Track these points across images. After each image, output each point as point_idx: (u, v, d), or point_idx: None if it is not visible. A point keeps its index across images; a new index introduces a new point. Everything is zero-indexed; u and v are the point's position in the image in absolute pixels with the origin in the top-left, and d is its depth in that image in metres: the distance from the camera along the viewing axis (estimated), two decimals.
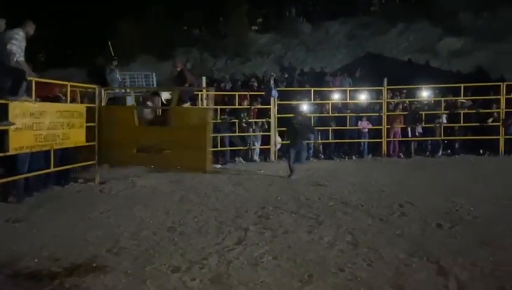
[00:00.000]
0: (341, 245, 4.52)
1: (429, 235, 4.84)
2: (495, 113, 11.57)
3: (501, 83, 11.87)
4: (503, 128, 11.43)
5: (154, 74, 12.55)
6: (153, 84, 12.14)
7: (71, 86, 7.63)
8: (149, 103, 8.36)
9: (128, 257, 4.20)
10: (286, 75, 17.89)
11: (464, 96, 11.99)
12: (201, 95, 9.83)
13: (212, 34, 27.26)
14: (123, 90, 10.91)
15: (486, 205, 6.10)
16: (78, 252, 4.30)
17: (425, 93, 12.76)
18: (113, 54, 12.67)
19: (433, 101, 12.53)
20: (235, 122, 11.01)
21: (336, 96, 12.96)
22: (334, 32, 26.18)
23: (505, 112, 11.47)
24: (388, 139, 11.82)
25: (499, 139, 11.48)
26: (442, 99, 12.26)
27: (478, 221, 5.39)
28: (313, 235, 4.87)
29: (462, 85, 11.91)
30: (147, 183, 7.98)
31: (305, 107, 11.45)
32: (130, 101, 9.50)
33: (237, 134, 11.04)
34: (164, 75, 13.98)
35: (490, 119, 11.54)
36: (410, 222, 5.39)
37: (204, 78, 11.30)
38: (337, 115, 11.96)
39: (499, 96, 11.57)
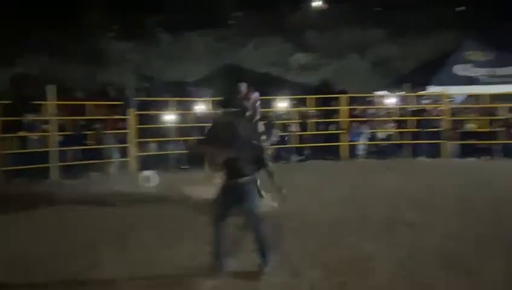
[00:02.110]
0: (201, 257, 4.51)
1: (285, 240, 5.10)
2: (337, 122, 12.87)
3: (341, 95, 13.32)
4: (346, 136, 12.75)
5: None
6: None
7: None
8: None
9: None
10: (146, 85, 17.45)
11: (311, 106, 13.14)
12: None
13: (64, 38, 25.21)
14: None
15: (332, 206, 6.70)
16: None
17: (280, 104, 13.62)
18: None
19: (287, 111, 13.45)
20: (88, 134, 10.35)
21: (198, 107, 13.10)
22: (194, 43, 26.44)
23: (346, 120, 12.84)
24: None
25: (342, 145, 12.77)
26: (294, 109, 13.25)
27: (325, 222, 5.86)
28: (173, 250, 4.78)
29: (310, 97, 13.14)
30: None
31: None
32: None
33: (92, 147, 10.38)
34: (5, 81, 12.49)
35: (333, 127, 12.80)
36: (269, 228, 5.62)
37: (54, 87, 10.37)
38: (199, 125, 12.03)
39: (340, 107, 12.90)
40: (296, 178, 9.57)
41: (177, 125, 11.86)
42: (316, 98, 13.45)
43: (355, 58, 25.41)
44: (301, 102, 13.64)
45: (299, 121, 12.86)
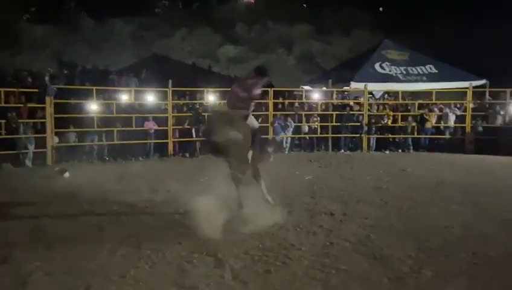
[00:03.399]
0: (124, 250, 4.39)
1: (211, 231, 5.10)
2: (263, 115, 13.08)
3: (269, 89, 13.52)
4: (272, 128, 13.01)
5: None
6: None
7: None
8: None
9: None
10: (65, 72, 16.50)
11: None
12: None
13: None
14: None
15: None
16: None
17: (208, 96, 13.55)
18: None
19: (216, 104, 13.40)
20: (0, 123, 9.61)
21: (121, 97, 12.67)
22: (118, 30, 25.42)
23: (273, 114, 13.09)
24: (174, 140, 12.12)
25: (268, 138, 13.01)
26: (222, 102, 13.23)
27: (249, 212, 5.94)
28: (94, 244, 4.60)
29: None
30: None
31: None
32: None
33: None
34: None
35: (260, 120, 12.97)
36: (193, 219, 5.59)
37: None
38: (122, 115, 11.65)
39: (267, 100, 13.12)
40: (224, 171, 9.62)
41: (99, 115, 11.38)
42: None
43: (282, 53, 25.98)
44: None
45: None
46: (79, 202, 6.44)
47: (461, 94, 14.09)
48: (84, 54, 23.08)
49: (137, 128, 11.60)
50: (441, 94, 14.23)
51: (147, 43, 23.96)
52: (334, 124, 13.29)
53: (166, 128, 12.02)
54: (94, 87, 11.66)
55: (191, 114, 12.50)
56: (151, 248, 4.42)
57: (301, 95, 14.77)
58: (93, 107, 11.43)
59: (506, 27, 24.40)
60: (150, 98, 12.74)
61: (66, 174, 8.48)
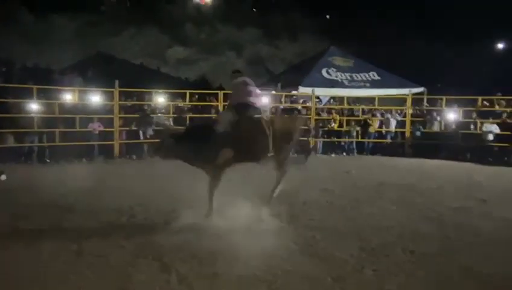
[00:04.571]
0: (64, 256, 4.24)
1: (156, 234, 5.03)
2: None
3: (219, 91, 13.55)
4: None
5: None
6: None
7: None
8: None
9: None
10: (3, 69, 15.65)
11: (189, 101, 13.13)
12: None
13: None
14: None
15: (205, 199, 6.78)
16: None
17: (156, 98, 13.32)
18: None
19: (164, 105, 13.21)
20: None
21: (65, 97, 12.21)
22: (61, 27, 24.41)
23: None
24: (120, 142, 11.81)
25: None
26: (171, 103, 13.09)
27: (197, 215, 5.91)
28: (33, 250, 4.40)
29: (188, 91, 13.10)
30: None
31: None
32: None
33: None
34: None
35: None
36: (138, 223, 5.50)
37: None
38: (66, 116, 11.21)
39: (217, 103, 13.11)
40: (171, 173, 9.51)
41: (40, 115, 10.88)
42: (193, 92, 13.45)
43: (232, 56, 26.06)
44: (179, 96, 13.54)
45: (175, 115, 12.73)
46: (16, 206, 6.13)
47: (401, 101, 14.79)
48: (24, 51, 21.93)
49: (81, 130, 11.19)
50: (383, 100, 14.87)
51: (92, 41, 23.15)
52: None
53: (112, 129, 11.69)
54: (34, 86, 11.13)
55: (138, 115, 12.24)
56: (93, 253, 4.30)
57: None
58: (33, 106, 10.91)
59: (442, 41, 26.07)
60: (95, 98, 12.36)
61: (3, 177, 8.04)
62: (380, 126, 14.02)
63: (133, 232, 5.09)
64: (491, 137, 12.34)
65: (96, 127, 11.41)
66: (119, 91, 11.93)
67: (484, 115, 13.01)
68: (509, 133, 12.14)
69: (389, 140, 13.92)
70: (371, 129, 13.75)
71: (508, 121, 12.45)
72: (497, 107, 13.19)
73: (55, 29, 23.96)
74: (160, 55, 24.29)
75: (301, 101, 14.91)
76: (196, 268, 4.02)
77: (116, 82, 11.76)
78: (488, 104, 13.47)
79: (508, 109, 12.90)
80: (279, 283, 3.75)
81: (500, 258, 4.44)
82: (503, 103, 13.15)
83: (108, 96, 12.37)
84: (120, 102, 12.05)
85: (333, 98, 16.14)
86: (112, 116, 11.76)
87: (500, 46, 30.40)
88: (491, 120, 12.65)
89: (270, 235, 5.01)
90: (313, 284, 3.76)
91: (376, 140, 13.89)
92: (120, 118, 11.84)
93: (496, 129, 12.36)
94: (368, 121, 13.80)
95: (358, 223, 5.64)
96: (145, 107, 12.80)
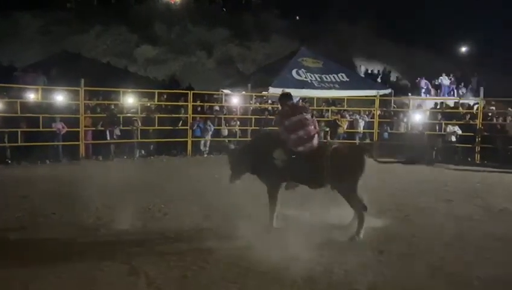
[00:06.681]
0: (27, 260, 4.06)
1: (124, 237, 4.91)
2: (183, 118, 12.89)
3: (189, 91, 13.40)
4: (191, 131, 12.86)
5: None
6: None
7: None
8: None
9: None
10: None
11: (157, 101, 12.93)
12: None
13: None
14: None
15: (176, 201, 6.70)
16: None
17: (123, 97, 13.02)
18: None
19: (132, 105, 12.95)
20: None
21: (28, 95, 11.80)
22: (25, 24, 23.60)
23: (192, 117, 12.95)
24: (86, 142, 11.49)
25: (187, 141, 12.85)
26: (139, 103, 12.84)
27: (168, 217, 5.83)
28: None
29: (157, 91, 12.92)
30: None
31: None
32: None
33: None
34: None
35: (180, 123, 12.79)
36: (105, 225, 5.35)
37: None
38: (28, 115, 10.82)
39: (187, 103, 12.95)
40: (140, 174, 9.34)
41: (1, 114, 10.45)
42: (161, 92, 13.27)
43: (202, 56, 25.85)
44: (147, 96, 13.32)
45: (144, 115, 12.51)
46: None
47: (370, 102, 15.05)
48: None
49: (44, 129, 10.81)
50: (351, 101, 15.08)
51: (57, 39, 22.44)
52: (254, 128, 13.47)
53: (78, 129, 11.36)
54: None
55: (105, 115, 11.95)
56: (58, 256, 4.16)
57: (221, 99, 14.81)
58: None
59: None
60: (60, 97, 11.98)
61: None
62: (349, 127, 14.20)
63: (100, 235, 4.95)
64: (453, 138, 12.73)
65: (59, 127, 11.05)
66: (85, 90, 11.61)
67: (448, 117, 13.40)
68: (471, 134, 12.57)
69: (357, 141, 14.12)
70: (340, 130, 13.92)
71: (471, 122, 12.87)
72: (460, 110, 13.62)
73: (19, 26, 23.12)
74: (128, 54, 23.81)
75: (270, 102, 14.94)
76: (165, 271, 3.95)
77: (82, 81, 11.43)
78: (452, 106, 13.90)
79: (470, 111, 13.36)
80: (251, 284, 3.73)
81: (467, 258, 4.54)
82: (466, 105, 13.61)
83: (73, 96, 12.02)
84: (85, 101, 11.73)
85: (303, 99, 16.24)
86: (78, 116, 11.43)
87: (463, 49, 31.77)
88: (454, 121, 13.05)
89: (241, 237, 4.95)
90: (283, 285, 3.74)
91: (345, 141, 14.06)
92: (85, 117, 11.52)
93: (458, 130, 12.76)
94: (337, 121, 13.96)
95: (329, 223, 5.66)
96: (112, 107, 12.50)
